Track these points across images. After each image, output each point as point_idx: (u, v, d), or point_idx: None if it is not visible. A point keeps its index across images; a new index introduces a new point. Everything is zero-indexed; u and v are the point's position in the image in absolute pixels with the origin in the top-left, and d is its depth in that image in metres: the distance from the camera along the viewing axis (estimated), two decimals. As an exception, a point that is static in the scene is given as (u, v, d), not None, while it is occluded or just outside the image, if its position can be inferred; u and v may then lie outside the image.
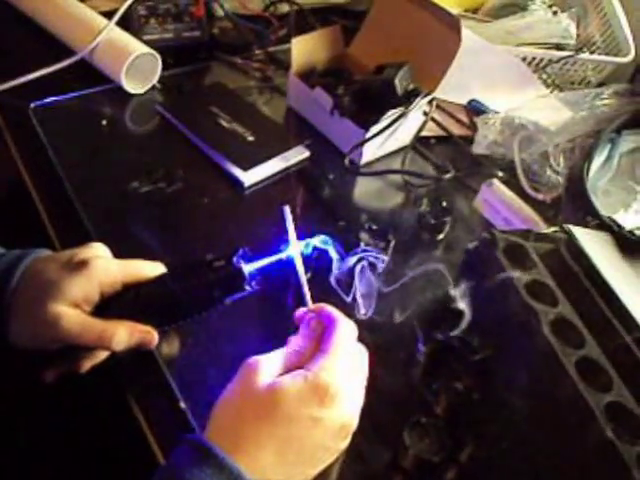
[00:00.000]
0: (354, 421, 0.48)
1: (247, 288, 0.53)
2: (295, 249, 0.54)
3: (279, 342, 0.51)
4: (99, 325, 0.51)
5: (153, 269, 0.56)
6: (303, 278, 0.53)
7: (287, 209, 0.55)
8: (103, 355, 0.56)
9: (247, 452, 0.44)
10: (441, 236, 0.77)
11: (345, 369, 0.48)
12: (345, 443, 0.49)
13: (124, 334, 0.52)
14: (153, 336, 0.54)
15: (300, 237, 0.54)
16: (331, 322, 0.50)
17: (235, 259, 0.53)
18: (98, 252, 0.56)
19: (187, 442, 0.45)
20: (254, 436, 0.45)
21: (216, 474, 0.42)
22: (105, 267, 0.53)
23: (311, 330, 0.51)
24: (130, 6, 0.94)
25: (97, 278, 0.52)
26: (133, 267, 0.55)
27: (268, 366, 0.47)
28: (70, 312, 0.50)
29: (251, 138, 0.85)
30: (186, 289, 0.54)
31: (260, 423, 0.45)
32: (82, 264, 0.52)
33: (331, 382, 0.46)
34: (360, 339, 0.51)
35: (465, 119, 0.96)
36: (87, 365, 0.55)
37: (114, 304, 0.54)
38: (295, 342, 0.50)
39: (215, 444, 0.43)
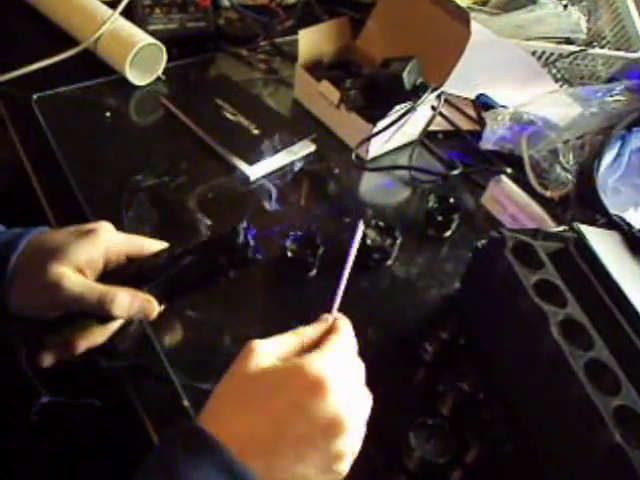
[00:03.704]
0: (347, 421, 0.44)
1: (250, 256, 0.53)
2: (349, 266, 0.53)
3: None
4: (101, 288, 0.51)
5: (158, 246, 0.56)
6: (340, 293, 0.52)
7: (361, 224, 0.55)
8: (100, 337, 0.56)
9: (222, 421, 0.43)
10: (448, 233, 0.76)
11: (339, 366, 0.46)
12: (338, 445, 0.44)
13: (125, 299, 0.51)
14: (154, 306, 0.53)
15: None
16: (337, 329, 0.49)
17: (239, 228, 0.52)
18: (106, 225, 0.56)
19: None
20: (233, 409, 0.44)
21: (182, 435, 0.42)
22: (112, 237, 0.54)
23: (319, 328, 0.50)
24: (135, -4, 0.93)
25: (103, 246, 0.53)
26: (139, 242, 0.56)
27: (265, 350, 0.46)
28: (72, 274, 0.50)
29: (256, 131, 0.84)
30: (190, 259, 0.53)
31: (242, 397, 0.44)
32: (89, 231, 0.53)
33: (322, 373, 0.44)
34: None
35: (473, 114, 0.95)
36: (83, 345, 0.55)
37: (117, 274, 0.53)
38: (300, 331, 0.49)
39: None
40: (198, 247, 0.54)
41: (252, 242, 0.52)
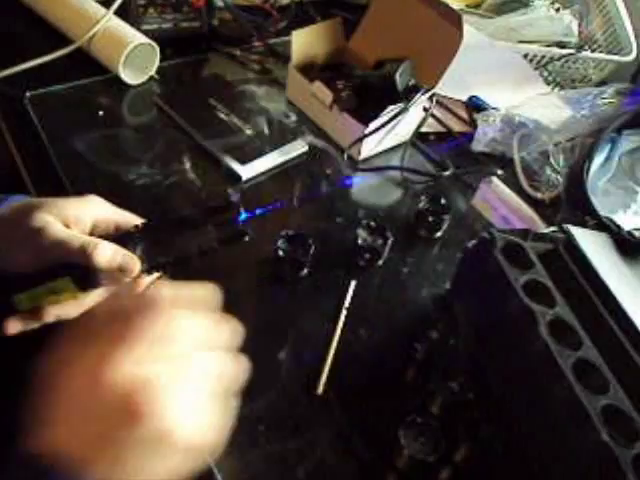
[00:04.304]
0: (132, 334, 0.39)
1: (240, 228, 0.52)
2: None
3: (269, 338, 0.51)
4: (84, 236, 0.51)
5: None
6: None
7: (353, 284, 0.66)
8: (73, 310, 0.53)
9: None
10: (439, 234, 0.76)
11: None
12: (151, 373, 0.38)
13: (108, 249, 0.50)
14: (136, 263, 0.52)
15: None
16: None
17: (229, 193, 0.53)
18: (97, 197, 0.56)
19: None
20: None
21: None
22: (103, 205, 0.55)
23: None
24: (129, -5, 0.93)
25: (93, 210, 0.54)
26: (129, 216, 0.56)
27: None
28: (57, 223, 0.50)
29: (249, 131, 0.84)
30: (178, 227, 0.53)
31: None
32: (81, 195, 0.54)
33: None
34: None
35: (465, 115, 0.95)
36: (52, 314, 0.53)
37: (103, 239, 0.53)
38: None
39: None
40: (187, 214, 0.54)
41: (243, 214, 0.53)
